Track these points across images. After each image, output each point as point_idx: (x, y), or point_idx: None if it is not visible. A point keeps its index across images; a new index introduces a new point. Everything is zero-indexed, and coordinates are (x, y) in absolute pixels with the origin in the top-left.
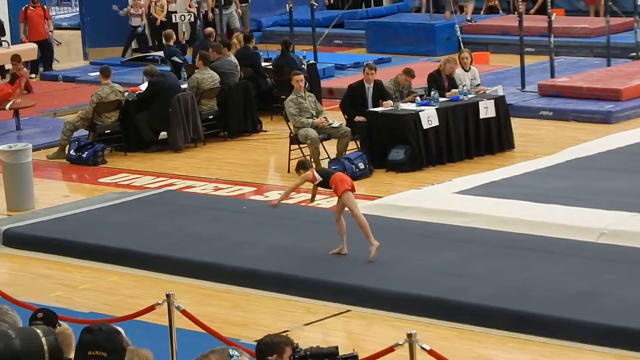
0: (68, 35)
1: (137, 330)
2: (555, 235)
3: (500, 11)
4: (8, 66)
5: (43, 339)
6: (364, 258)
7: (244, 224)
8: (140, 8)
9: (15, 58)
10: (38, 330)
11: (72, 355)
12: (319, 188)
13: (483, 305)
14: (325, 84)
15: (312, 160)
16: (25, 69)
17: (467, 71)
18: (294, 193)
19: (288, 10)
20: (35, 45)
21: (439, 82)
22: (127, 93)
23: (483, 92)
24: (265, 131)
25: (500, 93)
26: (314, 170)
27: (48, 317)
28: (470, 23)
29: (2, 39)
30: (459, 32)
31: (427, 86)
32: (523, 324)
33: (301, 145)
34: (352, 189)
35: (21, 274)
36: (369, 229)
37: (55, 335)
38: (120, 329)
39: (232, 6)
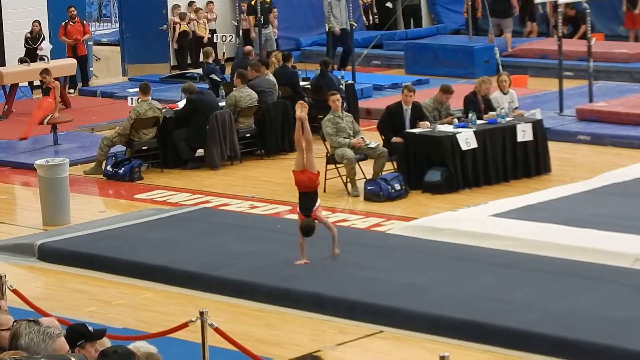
0: (107, 51)
1: (170, 347)
2: (590, 260)
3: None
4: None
5: None
6: (397, 280)
7: (278, 242)
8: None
9: (45, 72)
10: (72, 359)
11: None
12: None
13: (519, 329)
14: (362, 104)
15: (349, 180)
16: (56, 81)
17: (505, 94)
18: (328, 212)
19: (327, 30)
20: (74, 61)
21: (476, 104)
22: (165, 110)
23: (521, 115)
24: None
25: (538, 117)
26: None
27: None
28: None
29: (42, 53)
30: (498, 55)
31: (463, 108)
32: (560, 349)
33: (337, 165)
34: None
35: (56, 288)
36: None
37: None
38: (153, 347)
39: (270, 27)
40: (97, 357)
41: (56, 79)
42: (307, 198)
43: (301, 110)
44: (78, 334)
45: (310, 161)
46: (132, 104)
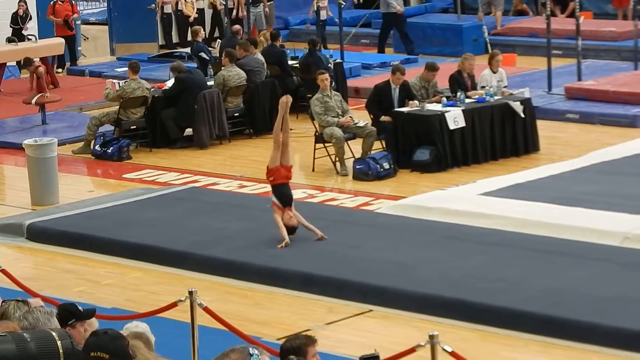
0: (95, 31)
1: (159, 326)
2: (579, 239)
3: (531, 13)
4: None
5: (59, 342)
6: (386, 259)
7: (267, 222)
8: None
9: (27, 62)
10: (54, 334)
11: None
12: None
13: (507, 307)
14: (351, 83)
15: (337, 159)
16: (40, 68)
17: (495, 72)
18: (316, 191)
19: (316, 9)
20: (62, 40)
21: (461, 82)
22: (153, 89)
23: (510, 94)
24: (291, 129)
25: (527, 95)
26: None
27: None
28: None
29: (29, 34)
30: (486, 34)
31: (449, 87)
32: (547, 327)
33: (326, 144)
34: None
35: (45, 268)
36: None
37: (72, 339)
38: (145, 325)
39: (261, 5)
40: (88, 337)
41: (44, 58)
42: (286, 188)
43: (285, 107)
44: (68, 313)
45: (287, 155)
46: (108, 86)
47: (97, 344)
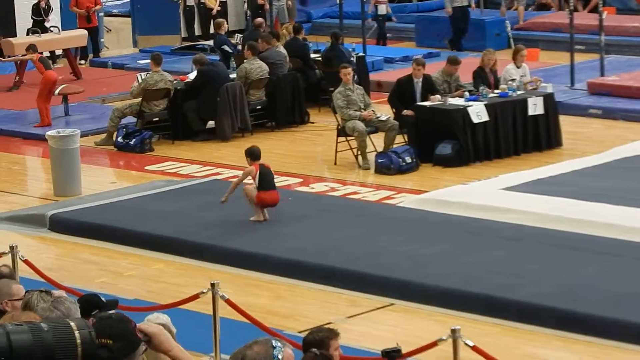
0: (118, 23)
1: (181, 318)
2: (601, 234)
3: (554, 8)
4: (58, 52)
5: (76, 333)
6: (407, 253)
7: (289, 215)
8: None
9: (31, 47)
10: (72, 324)
11: None
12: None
13: (529, 302)
14: (373, 77)
15: (359, 153)
16: (37, 58)
17: (518, 67)
18: (338, 185)
19: (338, 2)
20: (85, 32)
21: (484, 78)
22: (175, 81)
23: (537, 81)
24: (313, 123)
25: (550, 90)
26: (259, 167)
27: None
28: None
29: (52, 25)
30: (509, 29)
31: (473, 82)
32: (569, 322)
33: (348, 138)
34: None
35: (67, 259)
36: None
37: (90, 329)
38: (166, 317)
39: None
40: (94, 319)
41: (67, 50)
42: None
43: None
44: (92, 304)
45: None
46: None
47: (100, 329)
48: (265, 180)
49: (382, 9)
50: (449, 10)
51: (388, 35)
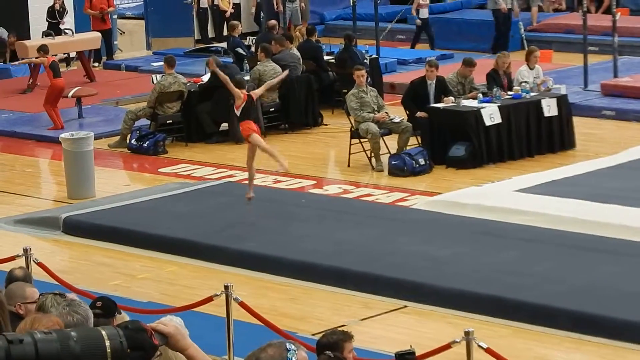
0: (131, 25)
1: (195, 320)
2: (614, 236)
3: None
4: (72, 54)
5: (107, 342)
6: (421, 255)
7: (302, 217)
8: None
9: (41, 48)
10: (103, 333)
11: None
12: None
13: (542, 304)
14: (387, 78)
15: (373, 155)
16: (46, 60)
17: (531, 69)
18: (352, 187)
19: (352, 4)
20: (99, 34)
21: (497, 80)
22: (189, 84)
23: (547, 80)
24: (326, 125)
25: (563, 92)
26: (247, 96)
27: (108, 305)
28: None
29: (66, 28)
30: (522, 30)
31: (486, 84)
32: (582, 324)
33: (362, 140)
34: (258, 132)
35: (81, 262)
36: (277, 152)
37: (122, 339)
38: (179, 319)
39: (297, 0)
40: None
41: (80, 52)
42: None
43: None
44: (112, 306)
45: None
46: (154, 82)
47: None
48: (246, 109)
49: (424, 13)
50: (503, 8)
51: (401, 37)
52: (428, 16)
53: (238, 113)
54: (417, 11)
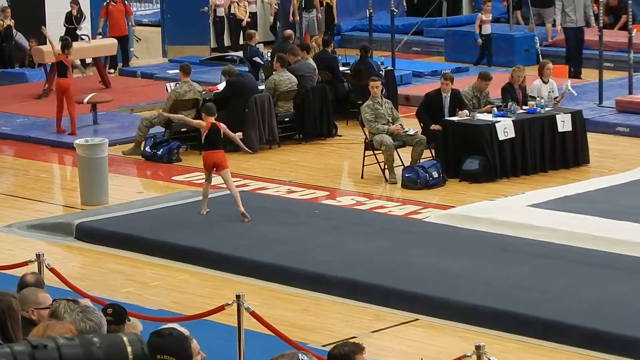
0: (148, 32)
1: (206, 330)
2: (627, 253)
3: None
4: (88, 60)
5: (129, 348)
6: (433, 268)
7: (315, 227)
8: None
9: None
10: (125, 339)
11: None
12: None
13: (553, 320)
14: (402, 90)
15: (386, 167)
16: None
17: (546, 83)
18: (365, 198)
19: (368, 15)
20: (115, 41)
21: (512, 94)
22: (204, 92)
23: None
24: (341, 136)
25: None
26: (211, 124)
27: (118, 312)
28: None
29: (82, 33)
30: (538, 45)
31: (501, 98)
32: (593, 341)
33: (376, 151)
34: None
35: (93, 268)
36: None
37: (143, 344)
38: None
39: (314, 10)
40: (153, 338)
41: (96, 58)
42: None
43: None
44: (122, 313)
45: None
46: (168, 91)
47: (163, 346)
48: (210, 138)
49: (487, 29)
50: (558, 28)
51: (417, 49)
52: (490, 32)
53: (202, 141)
54: (480, 27)
